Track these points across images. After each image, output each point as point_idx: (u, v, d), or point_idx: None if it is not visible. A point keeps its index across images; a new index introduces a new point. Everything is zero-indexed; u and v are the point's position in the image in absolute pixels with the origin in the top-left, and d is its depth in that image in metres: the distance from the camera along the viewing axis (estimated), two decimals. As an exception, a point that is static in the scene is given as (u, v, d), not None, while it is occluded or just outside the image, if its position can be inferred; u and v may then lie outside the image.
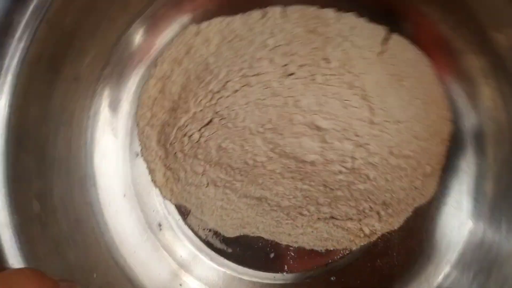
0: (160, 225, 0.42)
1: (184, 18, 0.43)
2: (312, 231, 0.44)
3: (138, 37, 0.41)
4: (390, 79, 0.43)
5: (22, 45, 0.30)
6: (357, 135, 0.41)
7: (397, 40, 0.44)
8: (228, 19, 0.43)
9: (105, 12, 0.37)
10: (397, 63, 0.43)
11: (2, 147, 0.30)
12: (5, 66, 0.29)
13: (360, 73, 0.42)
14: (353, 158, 0.42)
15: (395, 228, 0.44)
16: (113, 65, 0.40)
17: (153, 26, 0.42)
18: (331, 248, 0.44)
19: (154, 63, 0.42)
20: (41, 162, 0.34)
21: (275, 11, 0.43)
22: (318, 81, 0.41)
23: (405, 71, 0.44)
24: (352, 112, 0.41)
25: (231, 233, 0.43)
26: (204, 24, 0.42)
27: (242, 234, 0.43)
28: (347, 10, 0.44)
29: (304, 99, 0.41)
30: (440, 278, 0.42)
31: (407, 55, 0.44)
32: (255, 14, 0.43)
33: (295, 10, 0.44)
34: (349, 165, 0.42)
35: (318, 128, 0.41)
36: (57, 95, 0.35)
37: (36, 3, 0.30)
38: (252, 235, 0.44)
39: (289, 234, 0.44)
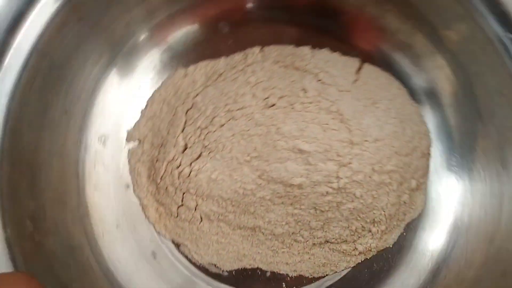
0: (154, 253, 0.42)
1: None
2: (309, 258, 0.45)
3: (120, 73, 0.44)
4: (365, 102, 0.46)
5: (14, 72, 0.33)
6: (339, 155, 0.43)
7: (369, 68, 0.47)
8: (212, 62, 0.47)
9: (94, 46, 0.40)
10: (371, 89, 0.47)
11: None
12: None
13: (336, 99, 0.45)
14: (338, 177, 0.43)
15: (390, 245, 0.45)
16: (100, 99, 0.43)
17: (131, 62, 0.45)
18: (330, 273, 0.44)
19: (145, 104, 0.45)
20: (34, 186, 0.36)
21: (254, 51, 0.47)
22: (297, 109, 0.44)
23: (378, 94, 0.47)
24: (332, 134, 0.44)
25: (228, 266, 0.44)
26: (191, 68, 0.46)
27: (239, 267, 0.44)
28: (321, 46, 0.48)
29: (285, 126, 0.43)
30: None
31: (379, 80, 0.47)
32: (237, 56, 0.47)
33: (272, 49, 0.47)
34: (335, 185, 0.43)
35: (301, 152, 0.43)
36: (49, 126, 0.37)
37: (26, 30, 0.33)
38: (249, 267, 0.44)
39: (287, 263, 0.44)
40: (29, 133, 0.35)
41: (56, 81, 0.37)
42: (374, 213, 0.44)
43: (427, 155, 0.46)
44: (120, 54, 0.43)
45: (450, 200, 0.44)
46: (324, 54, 0.47)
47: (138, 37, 0.44)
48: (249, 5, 0.45)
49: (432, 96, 0.46)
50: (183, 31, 0.46)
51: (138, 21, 0.43)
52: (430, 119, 0.46)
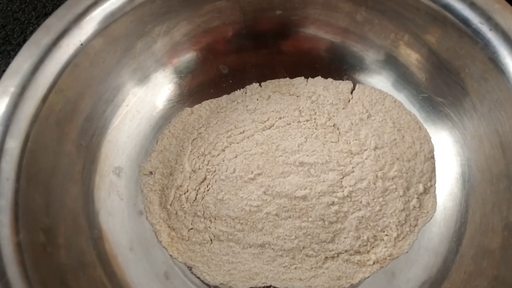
0: (167, 274, 0.43)
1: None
2: (323, 272, 0.43)
3: (132, 111, 0.48)
4: (360, 116, 0.48)
5: (33, 102, 0.37)
6: (340, 165, 0.45)
7: (362, 87, 0.50)
8: (215, 99, 0.51)
9: (105, 87, 0.45)
10: (365, 105, 0.49)
11: (13, 177, 0.35)
12: (18, 114, 0.37)
13: (332, 116, 0.48)
14: (342, 187, 0.44)
15: (406, 251, 0.43)
16: (113, 136, 0.46)
17: (143, 101, 0.49)
18: (347, 286, 0.43)
19: (155, 139, 0.49)
20: (49, 206, 0.38)
21: (253, 86, 0.51)
22: (294, 127, 0.47)
23: (373, 108, 0.49)
24: (331, 146, 0.45)
25: (241, 286, 0.43)
26: (197, 106, 0.51)
27: (252, 286, 0.43)
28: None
29: (285, 143, 0.46)
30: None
31: (373, 97, 0.49)
32: (238, 92, 0.51)
33: (269, 83, 0.51)
34: (340, 194, 0.44)
35: (303, 164, 0.44)
36: (65, 154, 0.41)
37: (45, 70, 0.39)
38: (262, 285, 0.43)
39: (300, 279, 0.43)
40: (46, 157, 0.39)
41: (70, 116, 0.42)
42: (384, 221, 0.44)
43: (431, 159, 0.46)
44: (130, 94, 0.48)
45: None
46: (317, 80, 0.51)
47: (146, 78, 0.49)
48: (231, 34, 0.50)
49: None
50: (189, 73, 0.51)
51: (147, 66, 0.49)
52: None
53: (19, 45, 0.55)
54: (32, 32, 0.54)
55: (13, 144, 0.36)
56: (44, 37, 0.40)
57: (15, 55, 0.40)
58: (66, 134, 0.41)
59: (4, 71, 0.40)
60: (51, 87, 0.39)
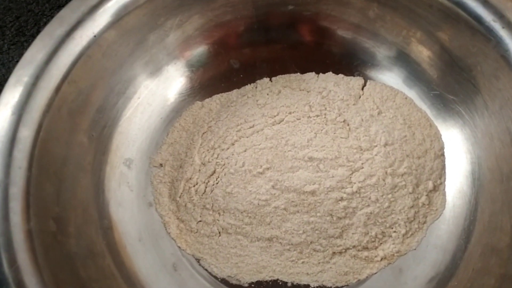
0: (175, 265, 0.43)
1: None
2: (330, 267, 0.43)
3: (143, 104, 0.49)
4: (371, 113, 0.48)
5: (46, 93, 0.38)
6: (350, 161, 0.45)
7: (373, 84, 0.50)
8: (226, 93, 0.51)
9: (117, 79, 0.46)
10: (376, 101, 0.49)
11: (25, 165, 0.36)
12: (32, 103, 0.37)
13: (342, 111, 0.48)
14: (351, 182, 0.44)
15: (414, 248, 0.43)
16: (125, 127, 0.47)
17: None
18: (354, 281, 0.43)
19: (166, 132, 0.49)
20: (60, 194, 0.38)
21: (264, 81, 0.51)
22: (304, 122, 0.47)
23: (384, 105, 0.49)
24: (341, 142, 0.46)
25: (248, 279, 0.43)
26: (207, 100, 0.51)
27: (259, 279, 0.43)
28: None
29: (294, 138, 0.46)
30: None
31: (384, 93, 0.49)
32: (248, 86, 0.51)
33: (280, 78, 0.51)
34: (348, 190, 0.44)
35: (312, 160, 0.45)
36: (76, 145, 0.41)
37: (58, 61, 0.39)
38: (269, 279, 0.43)
39: (307, 274, 0.44)
40: (58, 147, 0.39)
41: (83, 107, 0.42)
42: (392, 217, 0.44)
43: (441, 157, 0.46)
44: (142, 87, 0.48)
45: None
46: (328, 76, 0.51)
47: (158, 71, 0.49)
48: (243, 28, 0.50)
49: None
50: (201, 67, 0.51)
51: (159, 59, 0.49)
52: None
53: (33, 36, 0.56)
54: (45, 23, 0.54)
55: (26, 133, 0.37)
56: (58, 28, 0.40)
57: (28, 46, 0.41)
58: (78, 125, 0.42)
59: (17, 61, 0.40)
60: (64, 78, 0.40)
